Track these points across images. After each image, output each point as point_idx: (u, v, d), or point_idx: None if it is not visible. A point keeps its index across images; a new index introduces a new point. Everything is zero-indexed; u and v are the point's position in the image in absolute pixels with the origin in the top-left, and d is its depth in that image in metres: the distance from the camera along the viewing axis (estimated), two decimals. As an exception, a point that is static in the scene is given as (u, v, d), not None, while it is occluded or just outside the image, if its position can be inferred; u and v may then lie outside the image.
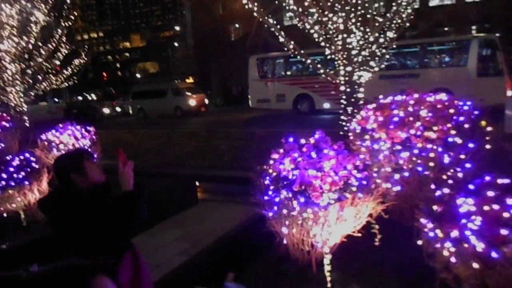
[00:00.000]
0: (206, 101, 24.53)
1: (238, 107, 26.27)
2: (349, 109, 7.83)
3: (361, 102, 7.79)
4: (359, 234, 3.35)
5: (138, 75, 62.79)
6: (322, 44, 7.77)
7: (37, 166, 5.13)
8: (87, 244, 2.26)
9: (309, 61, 8.28)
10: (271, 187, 3.26)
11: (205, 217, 6.30)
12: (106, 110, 27.76)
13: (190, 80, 37.80)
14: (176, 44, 55.59)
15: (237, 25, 34.03)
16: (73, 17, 15.23)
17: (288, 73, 19.40)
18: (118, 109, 28.73)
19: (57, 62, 15.07)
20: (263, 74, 19.93)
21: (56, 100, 48.62)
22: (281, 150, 3.44)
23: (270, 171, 3.35)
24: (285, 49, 8.25)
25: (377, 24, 7.51)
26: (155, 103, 23.99)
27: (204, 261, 4.09)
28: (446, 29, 24.86)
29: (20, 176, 4.93)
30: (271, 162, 3.39)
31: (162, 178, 7.33)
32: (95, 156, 6.27)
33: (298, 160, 3.19)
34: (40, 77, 15.39)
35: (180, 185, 6.77)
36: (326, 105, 17.60)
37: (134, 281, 2.27)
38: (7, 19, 13.36)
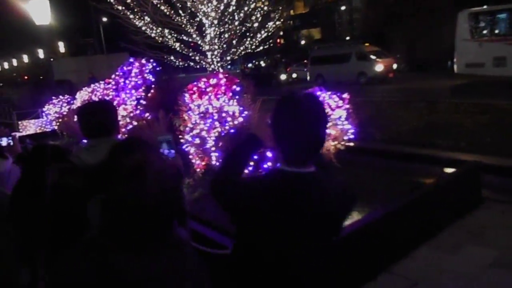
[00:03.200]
0: (395, 66, 21.80)
1: (424, 73, 22.81)
2: None
3: None
4: None
5: (302, 42, 62.15)
6: None
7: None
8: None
9: None
10: None
11: (509, 226, 4.41)
12: (282, 77, 27.56)
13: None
14: (342, 7, 52.90)
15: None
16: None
17: (514, 29, 15.32)
18: (294, 75, 28.27)
19: (255, 25, 14.51)
20: (476, 32, 16.21)
21: (229, 67, 50.89)
22: None
23: None
24: None
25: None
26: (335, 68, 22.32)
27: None
28: None
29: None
30: None
31: (420, 163, 5.61)
32: (352, 131, 4.84)
33: None
34: (234, 42, 15.13)
35: (461, 177, 4.93)
36: None
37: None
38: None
